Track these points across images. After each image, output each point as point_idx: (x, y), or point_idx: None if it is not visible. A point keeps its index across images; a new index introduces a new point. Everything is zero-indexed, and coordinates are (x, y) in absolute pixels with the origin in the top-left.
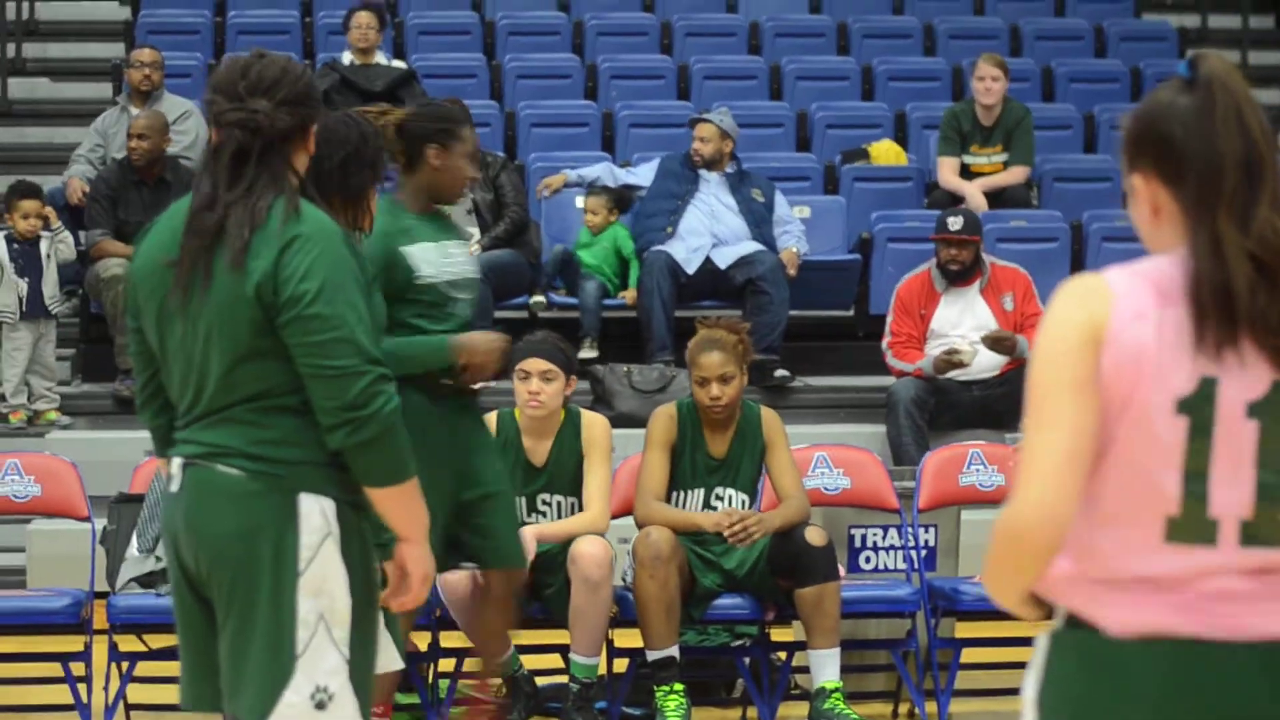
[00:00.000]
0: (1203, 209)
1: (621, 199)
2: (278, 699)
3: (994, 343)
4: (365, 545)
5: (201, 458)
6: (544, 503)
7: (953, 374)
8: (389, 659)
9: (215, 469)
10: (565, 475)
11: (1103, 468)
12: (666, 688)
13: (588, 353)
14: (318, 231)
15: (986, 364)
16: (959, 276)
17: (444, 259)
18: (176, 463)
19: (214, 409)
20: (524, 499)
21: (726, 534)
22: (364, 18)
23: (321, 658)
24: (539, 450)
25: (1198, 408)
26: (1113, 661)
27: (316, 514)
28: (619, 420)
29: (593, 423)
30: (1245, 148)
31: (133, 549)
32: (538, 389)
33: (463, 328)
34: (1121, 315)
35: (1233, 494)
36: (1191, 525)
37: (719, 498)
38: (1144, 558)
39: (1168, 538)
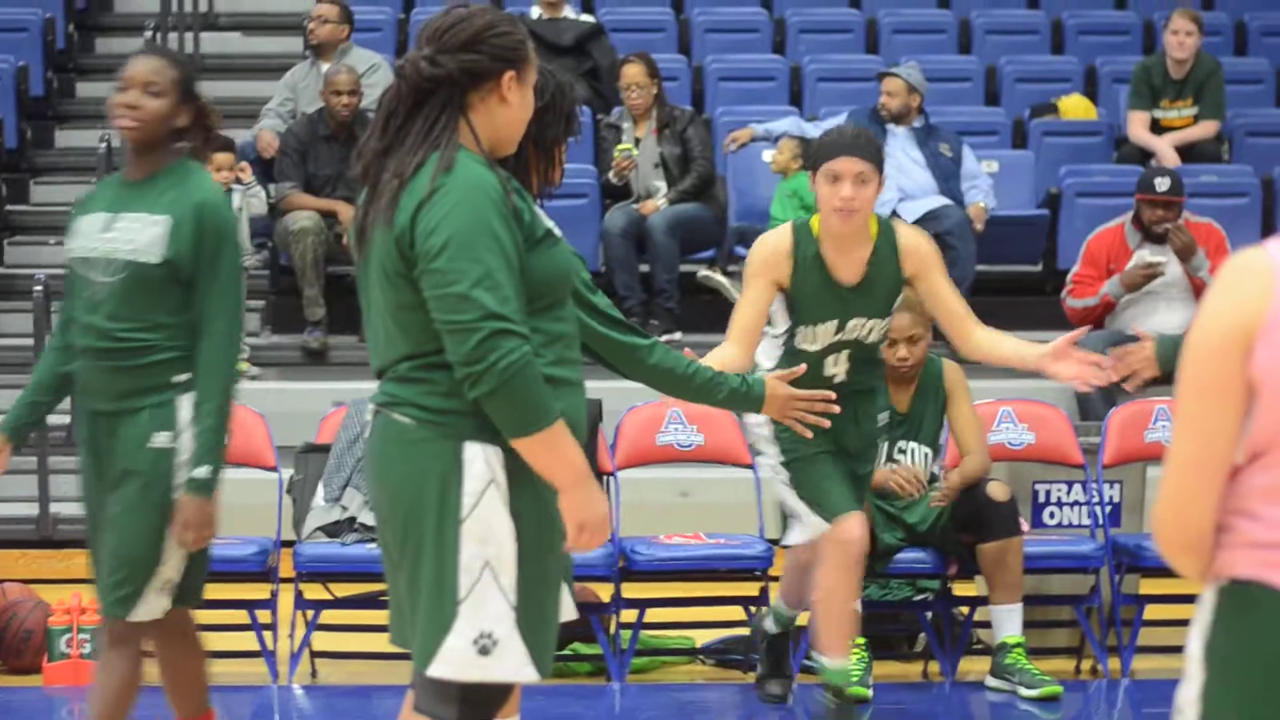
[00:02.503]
0: None
1: (811, 151)
2: (441, 643)
3: (1177, 239)
4: (538, 494)
5: (384, 406)
6: (900, 451)
7: (1138, 330)
8: (566, 609)
9: (391, 417)
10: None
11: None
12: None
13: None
14: (459, 185)
15: (1174, 321)
16: (1160, 236)
17: (101, 232)
18: (369, 409)
19: (389, 362)
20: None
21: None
22: None
23: (486, 604)
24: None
25: None
26: None
27: (480, 461)
28: None
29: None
30: None
31: (319, 499)
32: (851, 194)
33: (93, 313)
34: None
35: None
36: None
37: (902, 451)
38: None
39: None
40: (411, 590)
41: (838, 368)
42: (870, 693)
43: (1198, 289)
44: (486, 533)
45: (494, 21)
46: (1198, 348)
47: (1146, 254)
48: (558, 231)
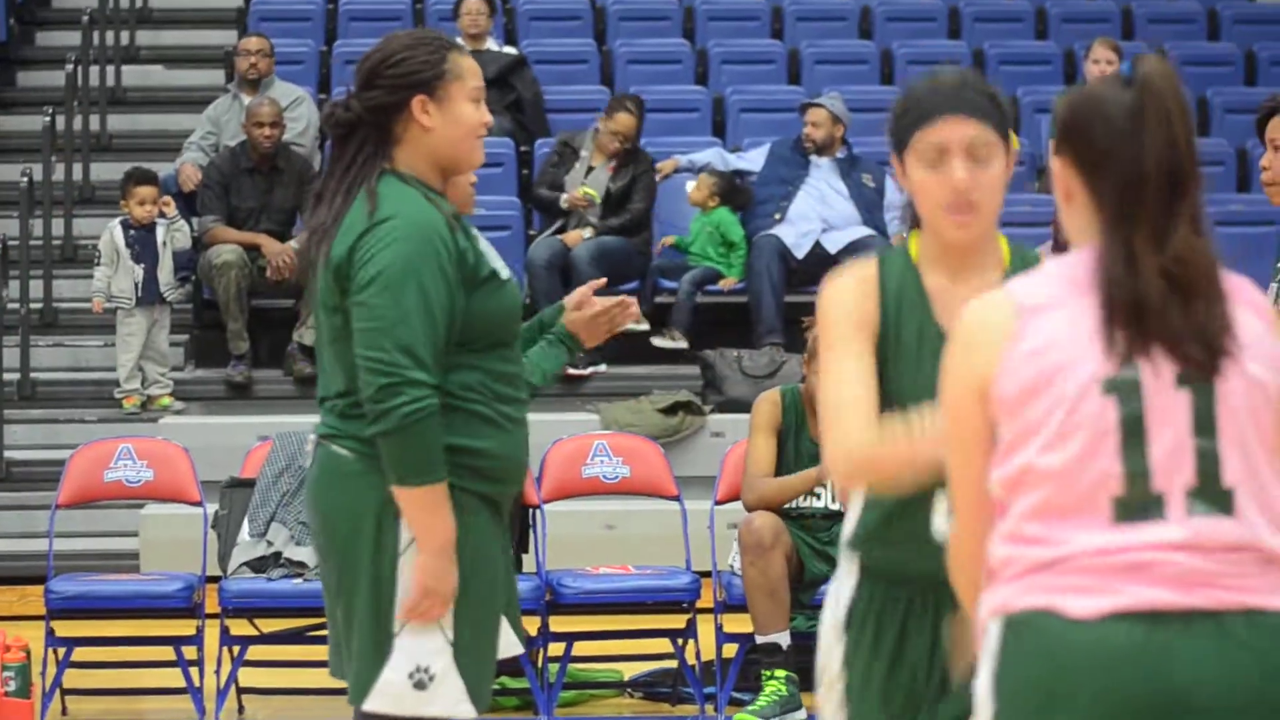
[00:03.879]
0: (1120, 218)
1: (730, 188)
2: (376, 677)
3: None
4: (474, 529)
5: (324, 438)
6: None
7: None
8: (507, 644)
9: (331, 449)
10: None
11: (1040, 467)
12: (769, 672)
13: (669, 343)
14: (403, 223)
15: None
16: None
17: None
18: (310, 439)
19: (330, 394)
20: None
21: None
22: (474, 3)
23: (422, 638)
24: None
25: (1123, 385)
26: (1077, 643)
27: None
28: (728, 405)
29: None
30: (1171, 159)
31: (244, 533)
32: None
33: None
34: (1028, 319)
35: (1173, 465)
36: (1137, 503)
37: (823, 484)
38: (1094, 540)
39: (1116, 518)
40: (347, 623)
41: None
42: None
43: None
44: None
45: (392, 51)
46: (949, 405)
47: None
48: (505, 272)
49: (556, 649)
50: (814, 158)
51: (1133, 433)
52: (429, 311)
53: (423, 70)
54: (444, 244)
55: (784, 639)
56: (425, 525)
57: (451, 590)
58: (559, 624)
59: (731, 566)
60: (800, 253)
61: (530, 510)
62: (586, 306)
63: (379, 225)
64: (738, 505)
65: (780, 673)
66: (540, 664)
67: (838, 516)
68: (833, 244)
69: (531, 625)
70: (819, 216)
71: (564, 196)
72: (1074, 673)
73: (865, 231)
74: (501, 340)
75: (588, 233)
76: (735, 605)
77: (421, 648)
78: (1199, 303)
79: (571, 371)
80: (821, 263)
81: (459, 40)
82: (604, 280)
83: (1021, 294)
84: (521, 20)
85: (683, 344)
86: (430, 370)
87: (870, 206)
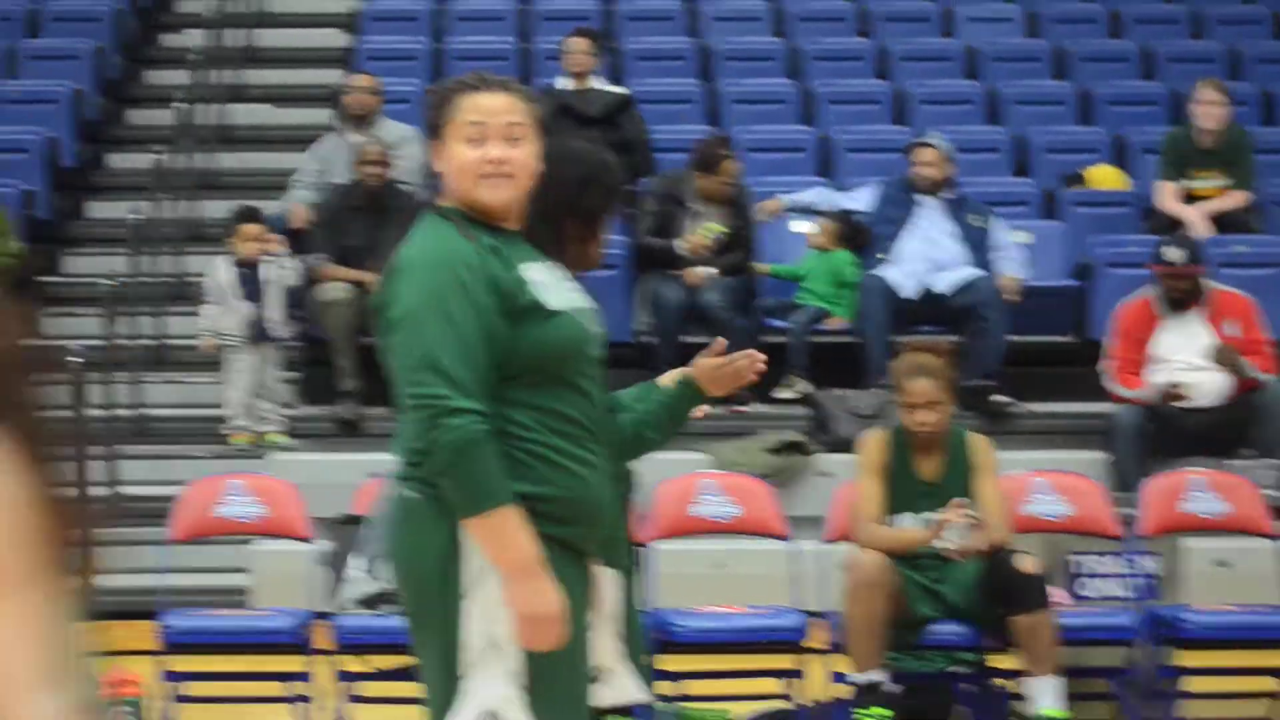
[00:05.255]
0: None
1: (852, 230)
2: None
3: (1220, 357)
4: (558, 579)
5: (396, 480)
6: (929, 522)
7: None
8: (622, 691)
9: (401, 492)
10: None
11: None
12: (864, 711)
13: (789, 392)
14: (423, 257)
15: (1211, 391)
16: (1180, 304)
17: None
18: (388, 480)
19: (396, 436)
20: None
21: (938, 544)
22: (578, 43)
23: (489, 683)
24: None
25: None
26: None
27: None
28: (837, 445)
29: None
30: None
31: (356, 570)
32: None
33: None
34: None
35: None
36: None
37: (930, 521)
38: None
39: None
40: (424, 665)
41: None
42: None
43: (1246, 387)
44: (490, 610)
45: (436, 89)
46: None
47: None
48: (559, 304)
49: (666, 688)
50: (922, 198)
51: None
52: (461, 339)
53: (431, 116)
54: (471, 273)
55: (882, 677)
56: (501, 551)
57: (556, 610)
58: (668, 663)
59: (841, 607)
60: (908, 293)
61: (637, 548)
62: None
63: (402, 265)
64: (846, 545)
65: (875, 711)
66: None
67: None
68: (941, 284)
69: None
70: (927, 257)
71: (680, 243)
72: None
73: (973, 272)
74: (558, 376)
75: (712, 270)
76: (843, 645)
77: (489, 693)
78: None
79: None
80: (929, 303)
81: (564, 79)
82: (725, 342)
83: None
84: (628, 59)
85: (807, 389)
86: (473, 395)
87: (978, 246)
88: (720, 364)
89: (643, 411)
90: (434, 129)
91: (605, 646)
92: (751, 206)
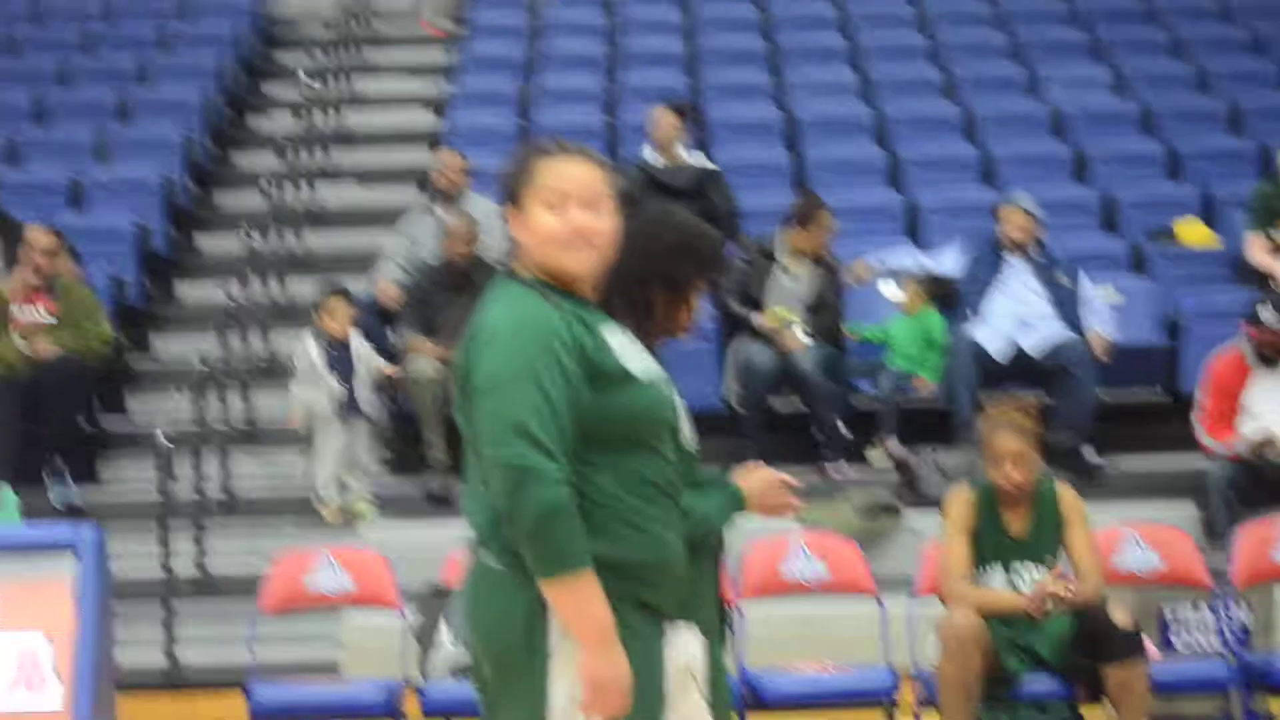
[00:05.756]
0: None
1: (939, 288)
2: None
3: None
4: (628, 630)
5: (474, 546)
6: (1018, 574)
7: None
8: None
9: (480, 558)
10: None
11: None
12: None
13: (879, 455)
14: (508, 321)
15: None
16: (1271, 358)
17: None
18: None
19: (472, 503)
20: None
21: (1033, 608)
22: (665, 115)
23: None
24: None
25: None
26: None
27: None
28: (928, 504)
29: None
30: None
31: (446, 640)
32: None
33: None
34: None
35: None
36: None
37: (1021, 576)
38: None
39: None
40: None
41: None
42: None
43: None
44: (574, 670)
45: (517, 154)
46: None
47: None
48: (645, 373)
49: None
50: (1008, 256)
51: None
52: (549, 402)
53: (509, 182)
54: (559, 339)
55: None
56: (578, 617)
57: (624, 680)
58: None
59: (931, 663)
60: (996, 352)
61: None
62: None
63: (490, 332)
64: (935, 601)
65: None
66: None
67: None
68: (1029, 343)
69: None
70: (1015, 315)
71: (756, 318)
72: None
73: (1063, 331)
74: (641, 441)
75: (805, 339)
76: (934, 702)
77: None
78: None
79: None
80: (1018, 362)
81: (651, 151)
82: (762, 464)
83: None
84: (715, 130)
85: (899, 451)
86: (557, 459)
87: (1065, 304)
88: (768, 486)
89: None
90: (513, 195)
91: (695, 706)
92: (839, 269)
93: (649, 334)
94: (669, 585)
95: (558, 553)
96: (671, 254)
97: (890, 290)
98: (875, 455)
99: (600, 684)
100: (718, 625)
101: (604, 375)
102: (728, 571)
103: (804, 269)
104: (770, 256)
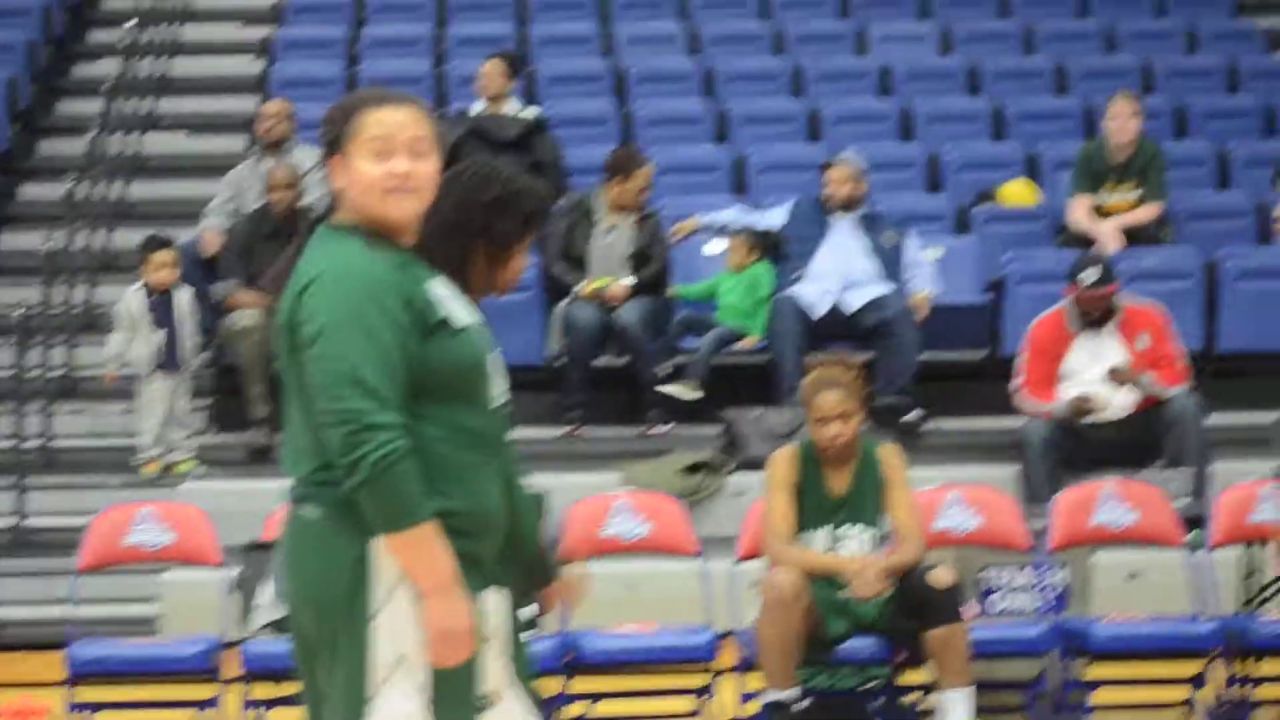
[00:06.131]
0: None
1: (766, 240)
2: None
3: (1117, 378)
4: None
5: (295, 501)
6: (842, 536)
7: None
8: (513, 714)
9: (302, 512)
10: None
11: None
12: None
13: (681, 393)
14: (338, 272)
15: (1121, 404)
16: (1093, 320)
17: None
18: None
19: (293, 456)
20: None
21: (851, 593)
22: (491, 67)
23: (397, 703)
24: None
25: None
26: None
27: (391, 557)
28: (751, 464)
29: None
30: None
31: (267, 596)
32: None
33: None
34: None
35: None
36: None
37: (843, 536)
38: None
39: None
40: (326, 687)
41: None
42: None
43: (1154, 401)
44: (398, 630)
45: (340, 102)
46: None
47: (1090, 387)
48: (463, 320)
49: (578, 708)
50: (835, 215)
51: None
52: (382, 353)
53: (330, 130)
54: (387, 288)
55: (794, 695)
56: (423, 566)
57: (470, 626)
58: (581, 684)
59: (752, 624)
60: (821, 311)
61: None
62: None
63: (316, 279)
64: (759, 563)
65: None
66: None
67: None
68: (853, 302)
69: (553, 685)
70: (840, 274)
71: (578, 289)
72: None
73: (886, 289)
74: (462, 392)
75: (627, 281)
76: (755, 663)
77: (399, 710)
78: None
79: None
80: (842, 320)
81: (478, 102)
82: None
83: None
84: (542, 82)
85: (696, 394)
86: (394, 410)
87: (890, 263)
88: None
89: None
90: (334, 144)
91: (496, 669)
92: (662, 224)
93: (470, 288)
94: (491, 538)
95: (400, 504)
96: (492, 209)
97: (717, 249)
98: (673, 389)
99: (447, 632)
100: (527, 588)
101: (429, 325)
102: (549, 531)
103: (624, 223)
104: (588, 213)
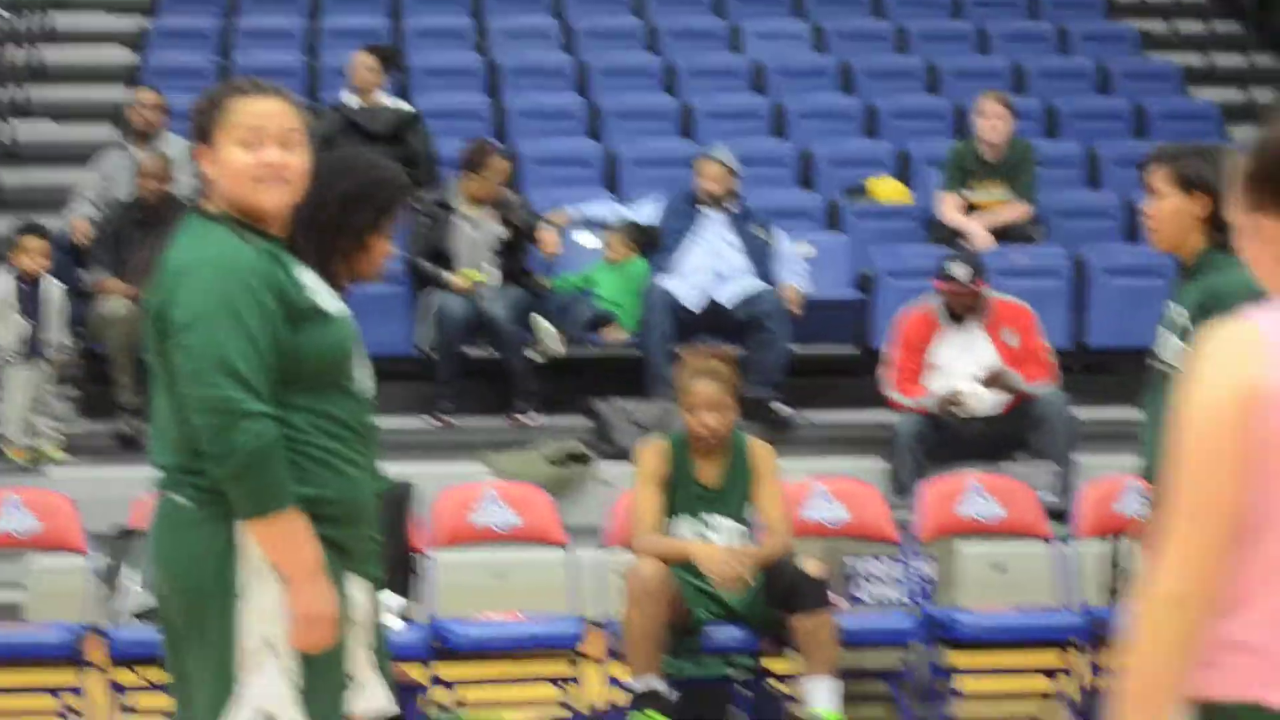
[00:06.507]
0: None
1: (645, 237)
2: None
3: (991, 382)
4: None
5: (163, 487)
6: (710, 526)
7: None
8: (374, 700)
9: (170, 497)
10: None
11: (1267, 539)
12: (646, 717)
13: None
14: (208, 261)
15: (990, 400)
16: (960, 315)
17: None
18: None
19: (162, 443)
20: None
21: (715, 582)
22: (365, 59)
23: (265, 684)
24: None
25: None
26: None
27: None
28: (620, 455)
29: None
30: None
31: (134, 583)
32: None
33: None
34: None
35: None
36: None
37: (711, 527)
38: None
39: None
40: (195, 670)
41: None
42: None
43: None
44: (265, 614)
45: (207, 93)
46: (1214, 419)
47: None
48: (332, 308)
49: (445, 695)
50: (706, 210)
51: None
52: (252, 342)
53: (200, 118)
54: (256, 277)
55: (659, 684)
56: (288, 554)
57: (333, 613)
58: (447, 671)
59: (619, 613)
60: (692, 304)
61: (417, 557)
62: None
63: (186, 268)
64: (626, 553)
65: (652, 716)
66: (430, 711)
67: None
68: (724, 296)
69: (420, 672)
70: (711, 268)
71: (447, 279)
72: None
73: (757, 284)
74: (333, 380)
75: (490, 277)
76: (621, 652)
77: (266, 693)
78: None
79: (446, 420)
80: (713, 314)
81: (351, 95)
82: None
83: (1271, 331)
84: (416, 75)
85: (559, 350)
86: (264, 399)
87: (761, 258)
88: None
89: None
90: (204, 133)
91: (358, 655)
92: (525, 211)
93: (333, 278)
94: (361, 526)
95: (267, 491)
96: (347, 201)
97: (589, 242)
98: (544, 341)
99: (311, 618)
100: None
101: (299, 313)
102: (416, 519)
103: (484, 215)
104: (448, 207)
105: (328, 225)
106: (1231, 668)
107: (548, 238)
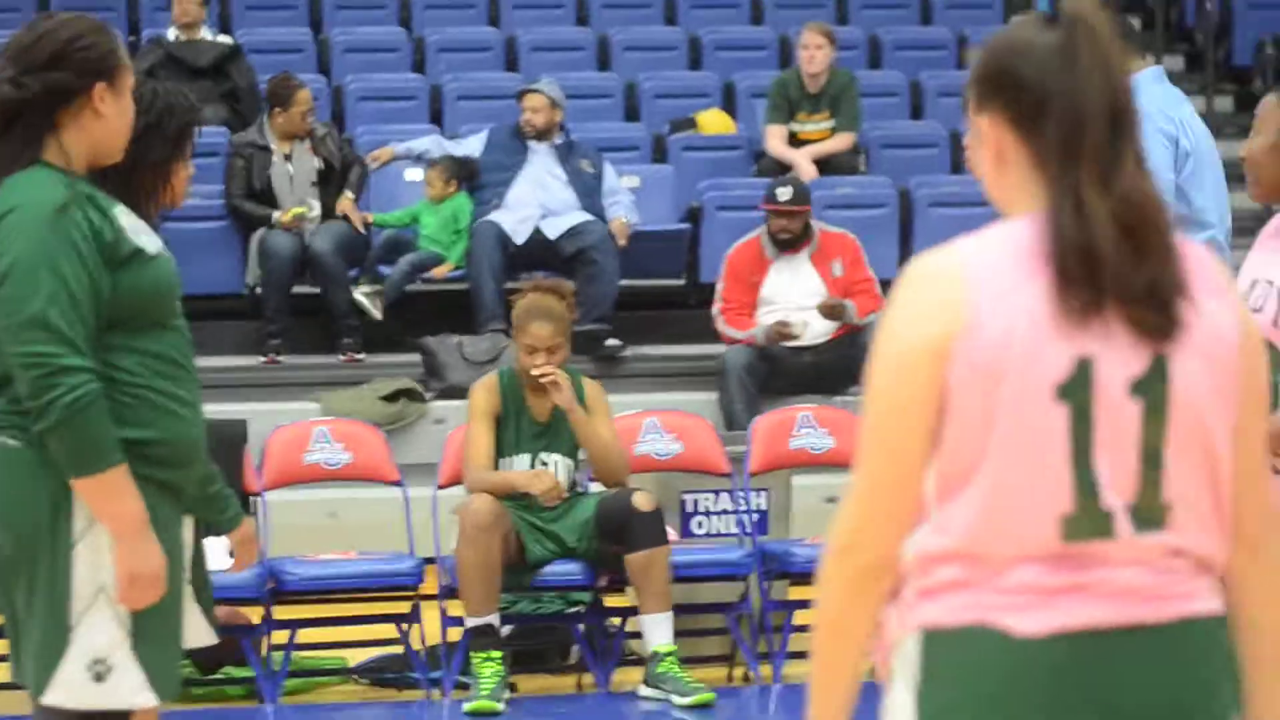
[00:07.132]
0: (1064, 162)
1: (464, 170)
2: (55, 670)
3: (827, 311)
4: (153, 519)
5: None
6: (543, 462)
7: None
8: (194, 633)
9: (0, 441)
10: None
11: (982, 473)
12: (483, 654)
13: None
14: (25, 210)
15: (818, 330)
16: (788, 245)
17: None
18: None
19: None
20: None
21: (539, 499)
22: None
23: (99, 630)
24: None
25: (1076, 392)
26: (1021, 662)
27: None
28: (450, 392)
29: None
30: (1110, 97)
31: None
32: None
33: None
34: (983, 299)
35: (1120, 481)
36: (1087, 520)
37: (544, 463)
38: (1042, 559)
39: (1065, 537)
40: (26, 617)
41: None
42: (501, 706)
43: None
44: (99, 558)
45: (79, 33)
46: (887, 359)
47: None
48: (153, 248)
49: (280, 636)
50: (532, 144)
51: (1082, 447)
52: (71, 295)
53: (108, 57)
54: (76, 226)
55: (496, 620)
56: (113, 511)
57: (159, 569)
58: (282, 611)
59: (454, 551)
60: (519, 238)
61: (251, 497)
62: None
63: (4, 218)
64: (460, 490)
65: (495, 654)
66: (265, 652)
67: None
68: (552, 230)
69: (255, 613)
70: (538, 202)
71: (276, 217)
72: (1016, 692)
73: (584, 217)
74: (157, 320)
75: (312, 210)
76: (457, 589)
77: (98, 639)
78: (1152, 256)
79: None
80: (541, 249)
81: (172, 29)
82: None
83: (976, 266)
84: (237, 8)
85: (377, 314)
86: (84, 354)
87: (588, 192)
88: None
89: None
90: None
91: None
92: (334, 142)
93: (142, 212)
94: (189, 466)
95: (88, 449)
96: (138, 138)
97: (416, 176)
98: (362, 300)
99: (136, 576)
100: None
101: (120, 256)
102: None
103: (299, 149)
104: (263, 146)
105: (126, 164)
106: (951, 597)
107: (378, 154)
